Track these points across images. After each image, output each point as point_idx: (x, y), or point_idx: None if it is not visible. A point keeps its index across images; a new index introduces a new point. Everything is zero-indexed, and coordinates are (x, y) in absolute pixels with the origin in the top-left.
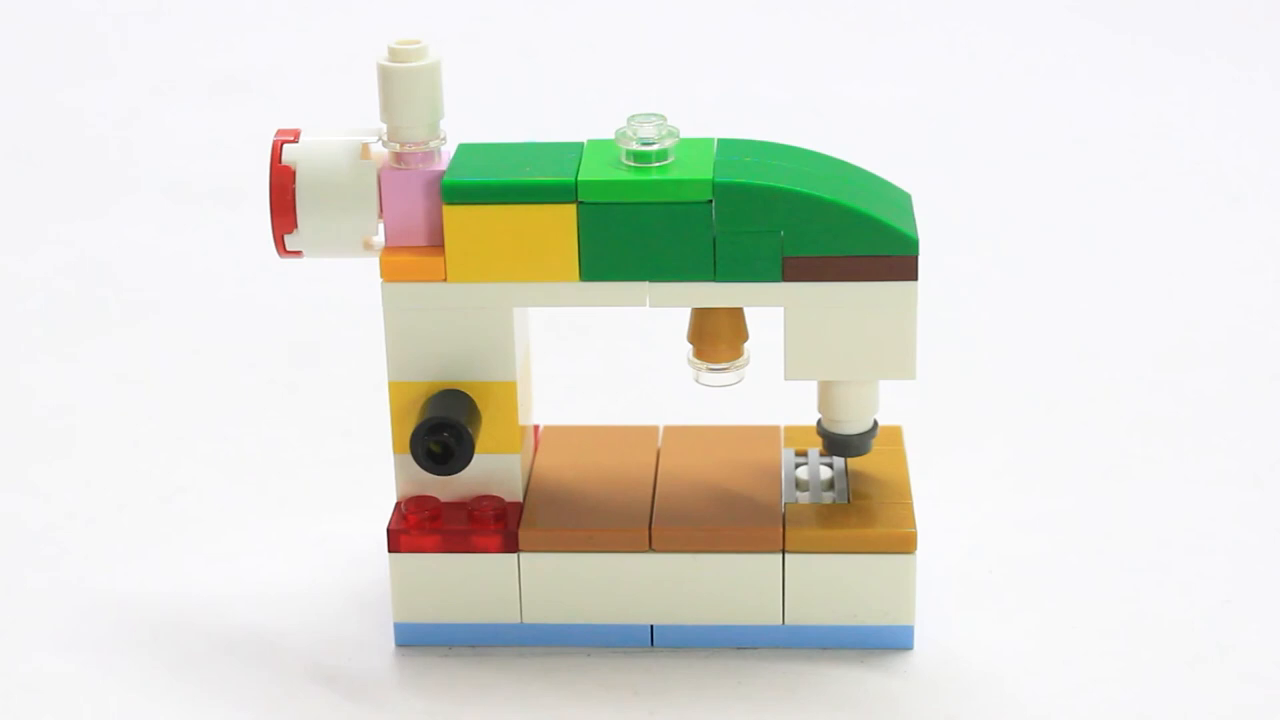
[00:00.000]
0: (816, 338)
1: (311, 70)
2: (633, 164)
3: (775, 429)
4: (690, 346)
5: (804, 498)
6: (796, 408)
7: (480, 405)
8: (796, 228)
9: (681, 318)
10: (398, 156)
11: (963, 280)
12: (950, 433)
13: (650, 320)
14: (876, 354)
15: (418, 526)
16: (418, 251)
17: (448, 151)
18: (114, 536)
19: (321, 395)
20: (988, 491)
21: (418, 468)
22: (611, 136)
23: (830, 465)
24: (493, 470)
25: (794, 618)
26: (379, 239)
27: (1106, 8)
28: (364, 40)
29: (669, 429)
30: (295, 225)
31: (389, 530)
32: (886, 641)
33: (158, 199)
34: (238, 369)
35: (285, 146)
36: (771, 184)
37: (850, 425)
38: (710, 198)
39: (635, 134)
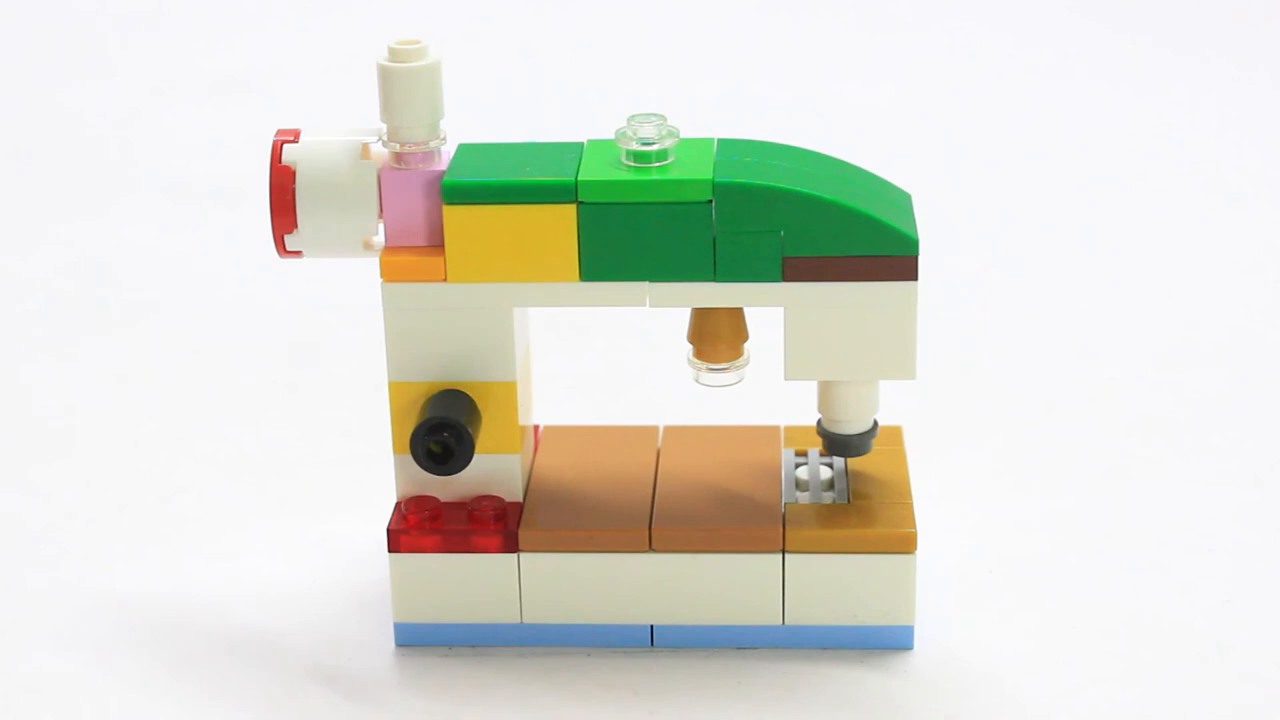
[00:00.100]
0: (816, 338)
1: (311, 70)
2: (633, 164)
3: (775, 429)
4: (690, 346)
5: (804, 498)
6: (796, 408)
7: (480, 405)
8: (796, 228)
9: (681, 318)
10: (398, 156)
11: (963, 280)
12: (950, 433)
13: (650, 320)
14: (876, 354)
15: (418, 526)
16: (418, 251)
17: (448, 151)
18: (114, 536)
19: (321, 395)
20: (988, 491)
21: (418, 468)
22: (611, 136)
23: (830, 465)
24: (493, 470)
25: (794, 618)
26: (379, 239)
27: (1106, 8)
28: (364, 40)
29: (669, 429)
30: (295, 225)
31: (389, 530)
32: (886, 641)
33: (158, 199)
34: (238, 369)
35: (285, 146)
36: (771, 184)
37: (850, 425)
38: (710, 198)
39: (635, 134)
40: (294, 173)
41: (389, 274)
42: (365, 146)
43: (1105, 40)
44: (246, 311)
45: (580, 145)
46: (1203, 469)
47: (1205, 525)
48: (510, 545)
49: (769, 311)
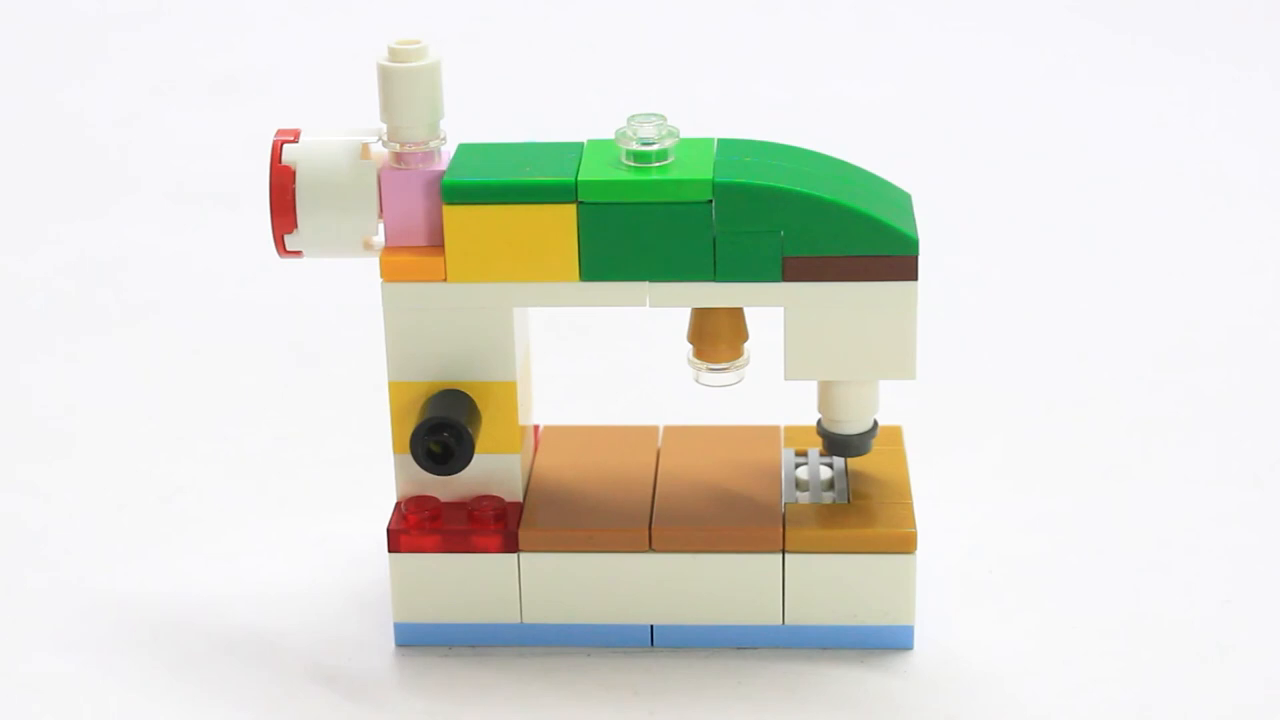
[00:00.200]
0: (816, 338)
1: (311, 70)
2: (633, 164)
3: (775, 429)
4: (690, 346)
5: (804, 498)
6: (796, 408)
7: (480, 405)
8: (796, 228)
9: (681, 318)
10: (398, 156)
11: (963, 280)
12: (950, 433)
13: (650, 320)
14: (876, 354)
15: (418, 526)
16: (418, 251)
17: (448, 151)
18: (114, 536)
19: (321, 395)
20: (988, 491)
21: (418, 468)
22: (611, 136)
23: (830, 465)
24: (493, 470)
25: (794, 618)
26: (379, 239)
27: (1106, 8)
28: (364, 40)
29: (669, 429)
30: (295, 225)
31: (389, 530)
32: (886, 641)
33: (158, 199)
34: (238, 369)
35: (285, 146)
36: (771, 184)
37: (850, 425)
38: (710, 198)
39: (635, 134)
40: (294, 173)
41: (389, 274)
42: (365, 146)
43: (1105, 40)
44: (246, 311)
45: (580, 145)
46: (1203, 469)
47: (1205, 525)
48: (510, 545)
49: (769, 311)
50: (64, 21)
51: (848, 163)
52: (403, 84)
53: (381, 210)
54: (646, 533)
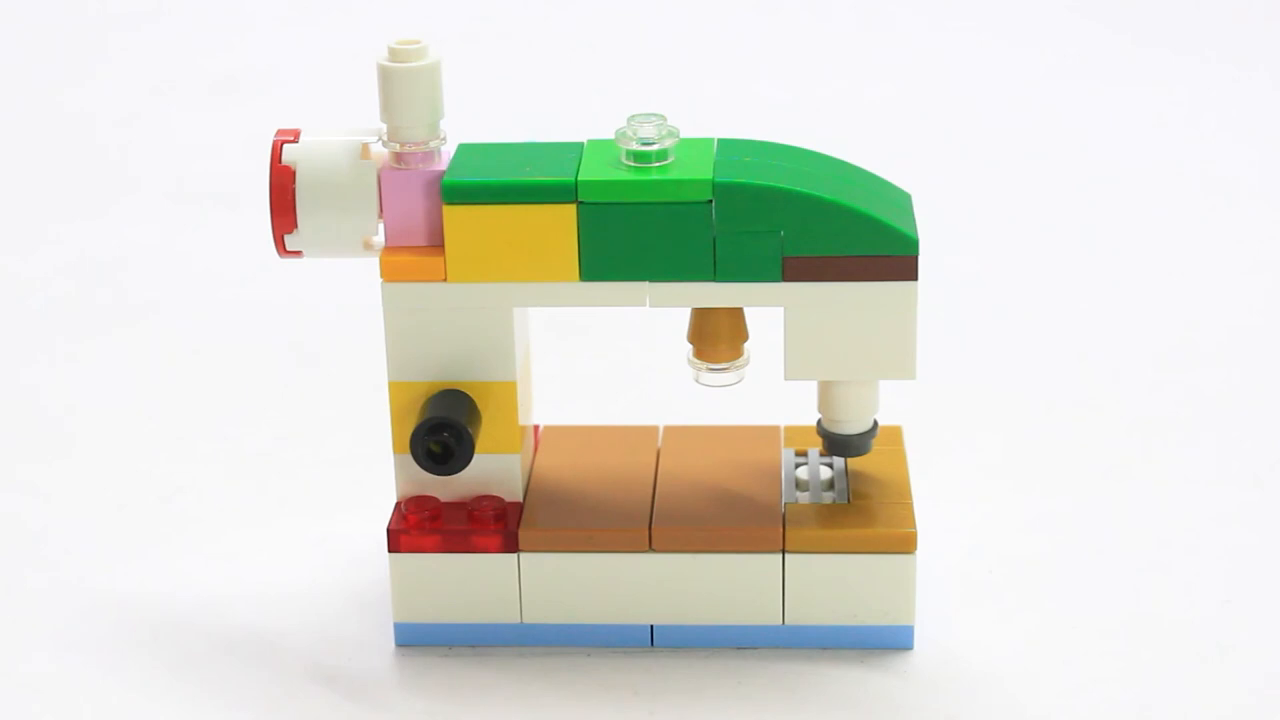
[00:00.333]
0: (816, 338)
1: (311, 70)
2: (633, 164)
3: (775, 429)
4: (690, 346)
5: (804, 498)
6: (796, 408)
7: (480, 405)
8: (796, 228)
9: (681, 318)
10: (398, 156)
11: (963, 280)
12: (950, 433)
13: (650, 320)
14: (876, 354)
15: (418, 526)
16: (418, 251)
17: (448, 151)
18: (114, 536)
19: (321, 395)
20: (988, 491)
21: (418, 468)
22: (611, 136)
23: (830, 465)
24: (493, 470)
25: (794, 618)
26: (379, 239)
27: (1106, 8)
28: (364, 40)
29: (669, 429)
30: (295, 225)
31: (389, 530)
32: (886, 641)
33: (158, 199)
34: (238, 369)
35: (285, 146)
36: (771, 184)
37: (850, 425)
38: (710, 198)
39: (635, 134)
40: (294, 173)
41: (389, 274)
42: (365, 146)
43: (1105, 40)
44: (246, 311)
45: (580, 145)
46: (1203, 469)
47: (1205, 525)
48: (510, 545)
49: (769, 311)
50: (64, 21)
51: (848, 163)
52: (403, 84)
53: (381, 210)
54: (646, 533)
